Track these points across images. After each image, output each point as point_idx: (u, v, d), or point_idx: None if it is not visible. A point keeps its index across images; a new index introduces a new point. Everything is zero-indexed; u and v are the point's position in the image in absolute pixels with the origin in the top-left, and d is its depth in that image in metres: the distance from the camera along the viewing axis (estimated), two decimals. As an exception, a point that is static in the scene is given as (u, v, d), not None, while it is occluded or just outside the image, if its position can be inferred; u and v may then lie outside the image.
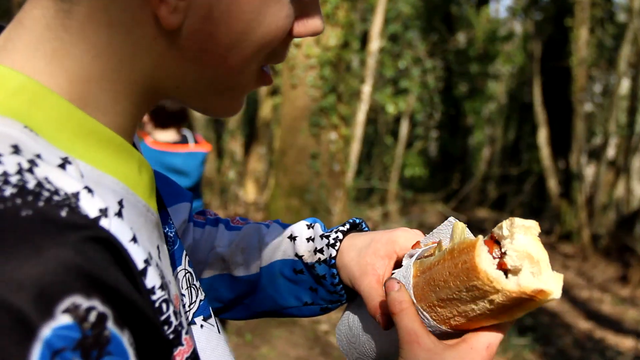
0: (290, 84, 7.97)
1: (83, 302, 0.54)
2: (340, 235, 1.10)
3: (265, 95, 12.06)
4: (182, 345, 0.75)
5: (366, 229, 1.15)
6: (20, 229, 0.55)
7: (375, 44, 10.73)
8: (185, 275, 0.93)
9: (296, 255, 1.11)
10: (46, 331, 0.52)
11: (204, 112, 0.85)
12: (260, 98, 12.73)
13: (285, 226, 1.18)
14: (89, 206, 0.62)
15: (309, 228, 1.14)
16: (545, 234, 17.12)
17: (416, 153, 18.21)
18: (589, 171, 18.17)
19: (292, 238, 1.13)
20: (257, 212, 9.02)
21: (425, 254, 0.88)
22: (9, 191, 0.56)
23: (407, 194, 16.03)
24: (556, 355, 8.15)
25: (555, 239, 16.16)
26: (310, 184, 7.91)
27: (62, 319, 0.53)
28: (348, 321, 1.08)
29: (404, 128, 16.95)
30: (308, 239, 1.12)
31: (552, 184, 16.86)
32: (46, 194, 0.58)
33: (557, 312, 10.45)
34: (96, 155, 0.69)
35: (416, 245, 0.99)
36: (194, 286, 0.94)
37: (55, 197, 0.58)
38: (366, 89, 10.81)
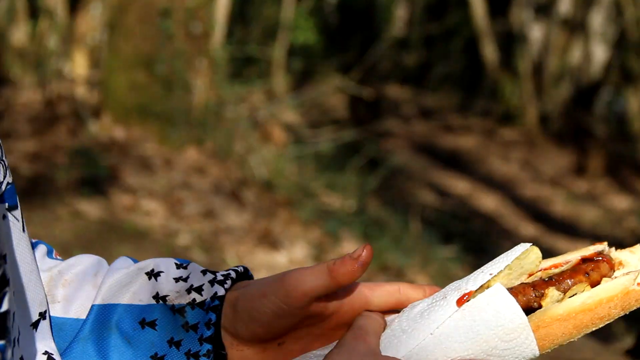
0: None
1: None
2: (233, 274, 1.08)
3: None
4: None
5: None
6: None
7: None
8: None
9: (155, 296, 1.05)
10: None
11: None
12: None
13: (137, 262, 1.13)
14: None
15: (179, 267, 1.10)
16: (480, 116, 17.41)
17: (308, 11, 18.03)
18: (536, 32, 18.45)
19: (153, 274, 1.07)
20: (90, 92, 8.70)
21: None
22: None
23: (297, 64, 15.96)
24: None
25: (494, 122, 16.48)
26: (161, 51, 7.78)
27: None
28: None
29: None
30: (177, 279, 1.08)
31: (488, 51, 17.09)
32: None
33: (493, 215, 10.69)
34: None
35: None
36: (2, 162, 0.97)
37: None
38: None
